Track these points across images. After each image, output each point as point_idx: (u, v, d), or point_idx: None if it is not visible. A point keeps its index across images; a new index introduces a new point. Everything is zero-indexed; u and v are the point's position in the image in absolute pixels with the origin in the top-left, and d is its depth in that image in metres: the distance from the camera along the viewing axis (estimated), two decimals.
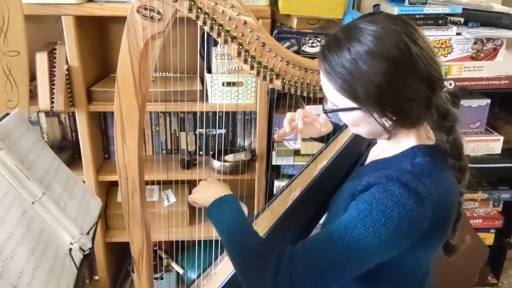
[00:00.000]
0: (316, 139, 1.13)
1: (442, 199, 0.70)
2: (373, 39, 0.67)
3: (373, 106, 0.70)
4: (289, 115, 1.03)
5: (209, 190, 0.90)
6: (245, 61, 0.86)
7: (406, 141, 0.76)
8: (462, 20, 1.48)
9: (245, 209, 1.63)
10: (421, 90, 0.69)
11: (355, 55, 0.68)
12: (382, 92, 0.68)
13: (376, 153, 0.85)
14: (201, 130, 1.63)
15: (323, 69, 0.73)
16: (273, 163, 1.53)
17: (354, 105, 0.71)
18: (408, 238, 0.69)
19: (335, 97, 0.73)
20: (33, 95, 1.30)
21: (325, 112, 0.79)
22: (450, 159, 0.75)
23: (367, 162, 0.87)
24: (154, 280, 1.62)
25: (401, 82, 0.68)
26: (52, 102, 1.30)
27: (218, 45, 1.38)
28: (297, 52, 1.38)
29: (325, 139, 1.12)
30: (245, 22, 0.83)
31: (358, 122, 0.75)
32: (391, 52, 0.67)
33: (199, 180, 0.97)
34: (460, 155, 0.75)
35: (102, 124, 1.56)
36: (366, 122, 0.74)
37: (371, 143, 0.87)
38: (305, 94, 0.92)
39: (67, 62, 1.30)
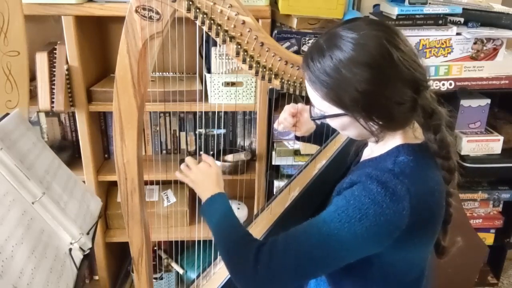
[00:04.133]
0: (300, 139, 1.13)
1: (423, 198, 0.70)
2: (354, 46, 0.68)
3: (359, 112, 0.71)
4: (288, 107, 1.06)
5: (202, 184, 0.92)
6: (244, 61, 0.86)
7: (392, 140, 0.77)
8: (462, 20, 1.48)
9: (245, 209, 1.63)
10: (406, 94, 0.70)
11: (338, 63, 0.69)
12: (367, 99, 0.69)
13: (367, 153, 0.86)
14: (201, 130, 1.63)
15: (307, 77, 0.74)
16: (273, 163, 1.53)
17: (340, 111, 0.72)
18: (386, 236, 0.69)
19: (321, 104, 0.74)
20: (33, 95, 1.30)
21: (313, 119, 0.80)
22: (438, 159, 0.75)
23: (359, 162, 0.87)
24: (154, 280, 1.62)
25: (385, 88, 0.69)
26: (52, 102, 1.30)
27: (218, 45, 1.38)
28: (297, 52, 1.38)
29: (324, 140, 1.12)
30: (244, 22, 0.83)
31: (346, 126, 0.76)
32: (373, 59, 0.68)
33: None
34: (448, 154, 0.75)
35: (102, 124, 1.56)
36: (354, 126, 0.75)
37: (365, 143, 0.88)
38: (303, 93, 0.92)
39: (67, 62, 1.30)
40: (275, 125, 1.09)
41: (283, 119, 1.07)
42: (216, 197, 0.88)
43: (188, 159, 0.96)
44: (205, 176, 0.93)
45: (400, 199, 0.68)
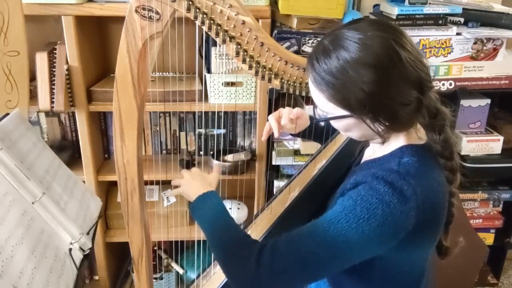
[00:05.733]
0: (294, 135, 1.12)
1: (428, 199, 0.70)
2: (360, 47, 0.68)
3: (366, 113, 0.70)
4: (273, 115, 1.03)
5: (192, 187, 0.89)
6: (244, 61, 0.86)
7: (395, 141, 0.76)
8: (462, 20, 1.48)
9: (245, 209, 1.63)
10: (412, 94, 0.70)
11: (344, 64, 0.68)
12: (373, 100, 0.69)
13: (369, 154, 0.85)
14: (201, 130, 1.63)
15: (312, 79, 0.73)
16: (273, 163, 1.53)
17: (346, 112, 0.72)
18: (392, 236, 0.69)
19: (326, 105, 0.73)
20: (33, 95, 1.30)
21: (317, 120, 0.79)
22: (441, 159, 0.75)
23: (361, 162, 0.87)
24: (154, 280, 1.62)
25: (392, 88, 0.69)
26: (52, 102, 1.30)
27: (218, 45, 1.38)
28: (297, 52, 1.38)
29: (324, 139, 1.12)
30: (244, 22, 0.83)
31: (350, 127, 0.75)
32: (380, 59, 0.67)
33: None
34: (451, 155, 0.75)
35: (102, 124, 1.56)
36: (358, 128, 0.74)
37: (366, 143, 0.87)
38: (303, 93, 0.92)
39: (67, 62, 1.30)
40: (263, 138, 1.06)
41: (283, 126, 1.03)
42: (208, 194, 0.85)
43: (183, 171, 0.95)
44: (196, 176, 0.91)
45: (407, 200, 0.67)
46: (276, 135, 1.02)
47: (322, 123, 0.93)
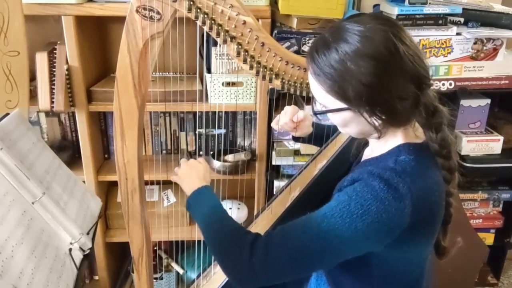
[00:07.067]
0: (301, 140, 1.13)
1: (424, 198, 0.70)
2: (360, 39, 0.68)
3: (363, 106, 0.71)
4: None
5: (188, 180, 0.91)
6: (244, 61, 0.86)
7: (393, 140, 0.77)
8: (462, 20, 1.48)
9: (245, 209, 1.63)
10: (409, 89, 0.70)
11: (343, 56, 0.69)
12: (371, 92, 0.69)
13: (368, 153, 0.85)
14: (201, 130, 1.63)
15: (312, 70, 0.74)
16: (273, 163, 1.53)
17: (344, 105, 0.72)
18: (386, 233, 0.69)
19: (324, 98, 0.74)
20: (33, 95, 1.30)
21: (315, 113, 0.79)
22: (439, 158, 0.75)
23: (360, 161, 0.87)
24: (154, 280, 1.62)
25: (390, 81, 0.69)
26: (52, 102, 1.30)
27: (218, 45, 1.38)
28: (297, 52, 1.38)
29: (324, 140, 1.12)
30: (244, 22, 0.83)
31: (348, 122, 0.75)
32: (379, 51, 0.68)
33: None
34: (449, 154, 0.75)
35: (102, 124, 1.56)
36: (356, 122, 0.74)
37: (366, 142, 0.87)
38: (304, 94, 0.92)
39: (67, 62, 1.30)
40: (273, 124, 1.09)
41: (284, 124, 1.06)
42: (202, 189, 0.86)
43: (182, 161, 0.96)
44: (190, 170, 0.92)
45: (402, 198, 0.68)
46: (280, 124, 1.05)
47: (320, 117, 0.94)
